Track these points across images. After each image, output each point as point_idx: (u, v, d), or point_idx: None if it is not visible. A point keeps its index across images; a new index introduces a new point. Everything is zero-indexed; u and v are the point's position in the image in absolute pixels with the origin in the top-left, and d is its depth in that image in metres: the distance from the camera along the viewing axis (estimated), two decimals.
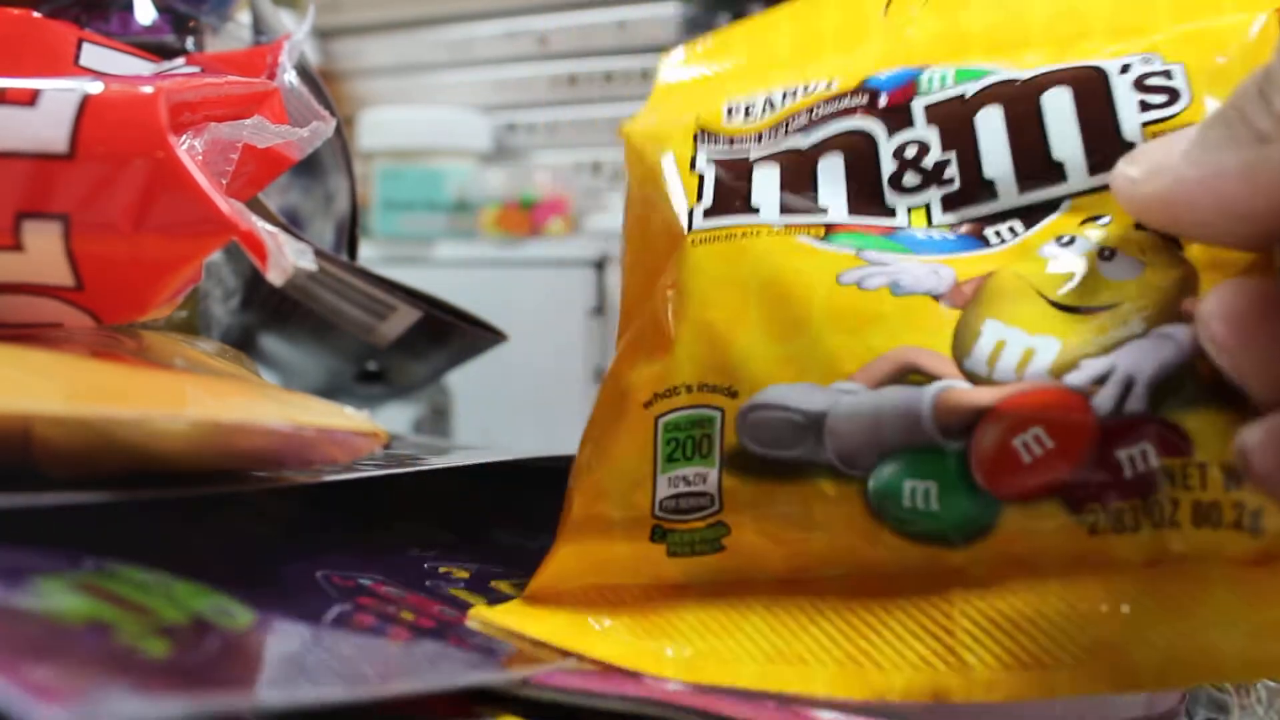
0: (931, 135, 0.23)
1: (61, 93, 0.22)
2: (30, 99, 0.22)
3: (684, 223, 0.25)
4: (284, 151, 0.25)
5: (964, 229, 0.22)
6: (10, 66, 0.23)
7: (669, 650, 0.21)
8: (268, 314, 0.39)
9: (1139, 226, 0.20)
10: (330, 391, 0.45)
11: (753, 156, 0.25)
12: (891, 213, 0.23)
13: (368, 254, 0.75)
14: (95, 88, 0.22)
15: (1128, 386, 0.19)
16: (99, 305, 0.23)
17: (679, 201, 0.25)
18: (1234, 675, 0.18)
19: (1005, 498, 0.19)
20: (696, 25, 1.07)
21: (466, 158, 0.98)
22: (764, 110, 0.26)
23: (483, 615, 0.23)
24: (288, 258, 0.22)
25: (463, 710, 0.20)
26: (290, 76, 0.26)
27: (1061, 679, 0.18)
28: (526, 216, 0.97)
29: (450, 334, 0.38)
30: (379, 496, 0.30)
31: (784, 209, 0.24)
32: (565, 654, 0.22)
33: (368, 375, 0.44)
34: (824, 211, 0.24)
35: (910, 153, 0.23)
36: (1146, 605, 0.18)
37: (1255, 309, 0.17)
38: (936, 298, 0.21)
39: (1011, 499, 0.19)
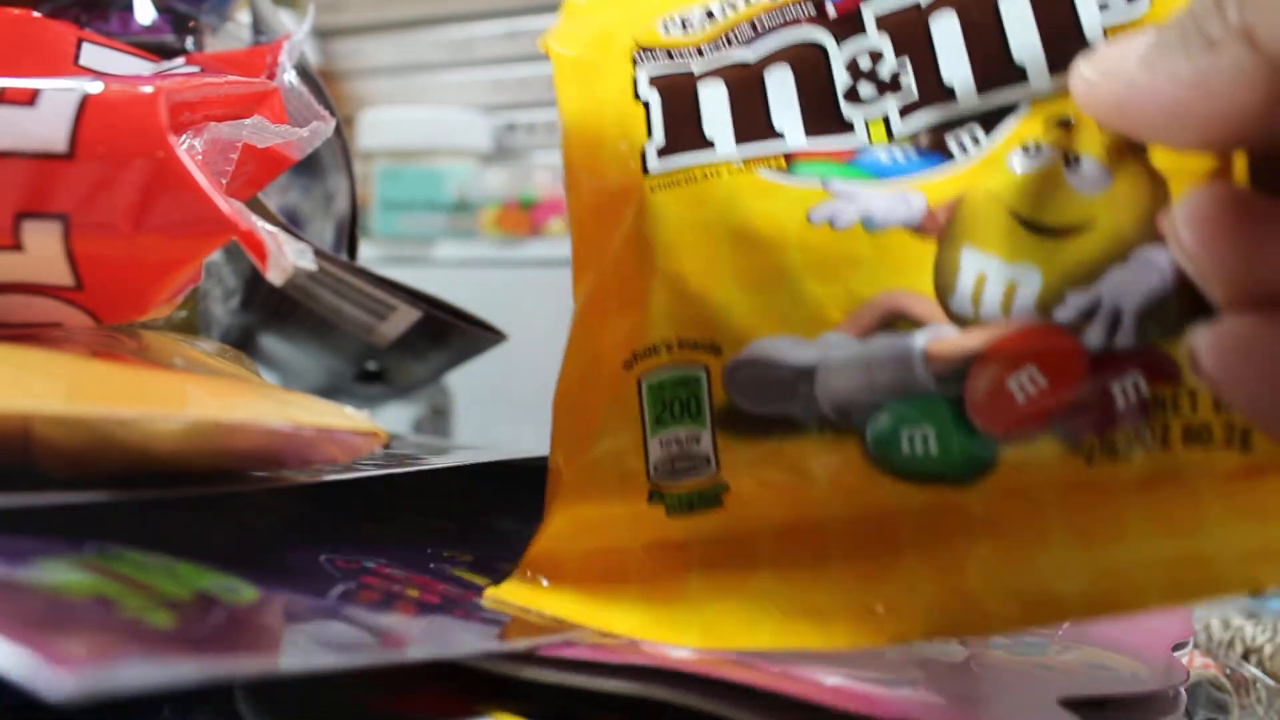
0: (884, 43, 0.23)
1: (61, 92, 0.22)
2: (30, 99, 0.22)
3: (637, 164, 0.24)
4: (284, 151, 0.25)
5: (925, 140, 0.22)
6: (10, 66, 0.23)
7: (684, 617, 0.21)
8: (268, 314, 0.39)
9: (1102, 130, 0.20)
10: (330, 391, 0.45)
11: (696, 71, 0.24)
12: (849, 127, 0.23)
13: (368, 254, 0.75)
14: (95, 87, 0.22)
15: (1115, 319, 0.19)
16: (99, 305, 0.23)
17: (628, 138, 0.24)
18: (1234, 589, 0.18)
19: (1003, 438, 0.20)
20: None
21: (466, 158, 0.98)
22: (703, 22, 0.26)
23: (497, 594, 0.23)
24: (288, 258, 0.22)
25: (462, 709, 0.20)
26: (290, 76, 0.26)
27: (1071, 606, 0.19)
28: (526, 216, 0.97)
29: (450, 334, 0.38)
30: (379, 496, 0.30)
31: (739, 138, 0.23)
32: (581, 628, 0.22)
33: (368, 375, 0.44)
34: (781, 137, 0.23)
35: (864, 63, 0.23)
36: (1145, 527, 0.19)
37: (1218, 213, 0.18)
38: (911, 229, 0.21)
39: (1008, 438, 0.19)
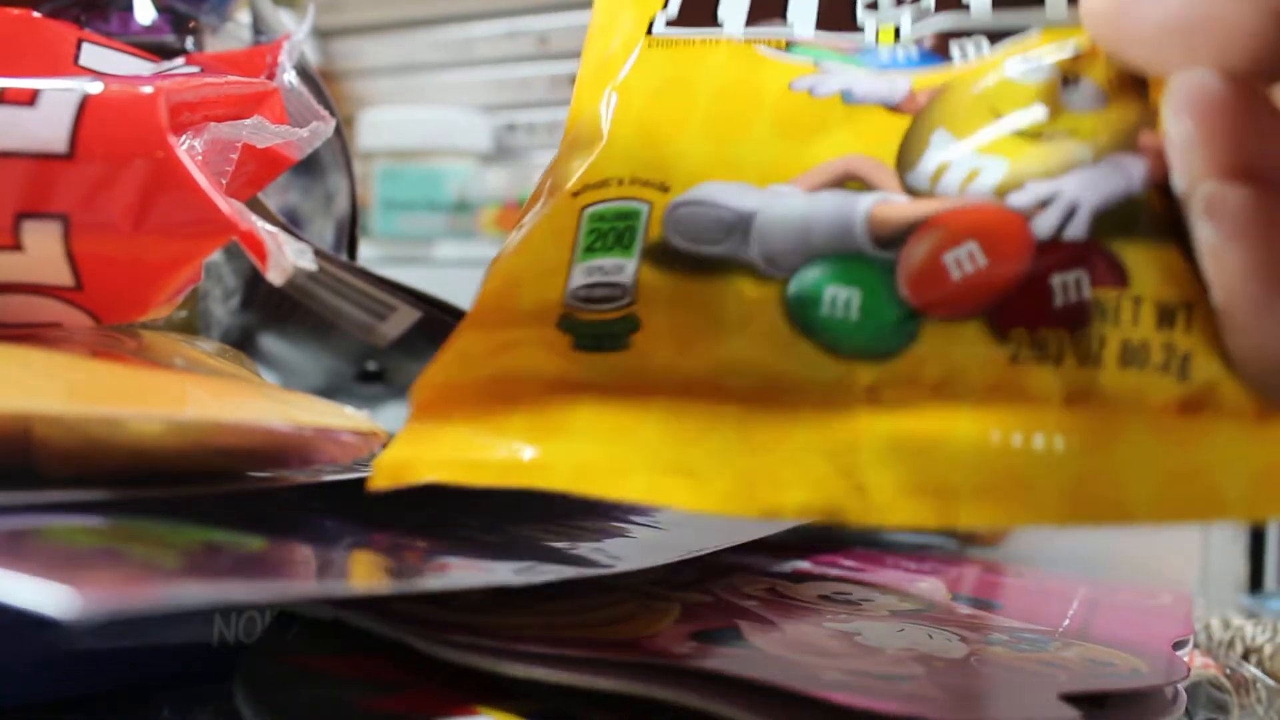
0: None
1: (61, 93, 0.22)
2: (30, 99, 0.22)
3: (643, 27, 0.24)
4: (284, 151, 0.25)
5: (929, 43, 0.22)
6: (10, 66, 0.23)
7: (558, 454, 0.21)
8: (268, 314, 0.39)
9: (1108, 61, 0.20)
10: (330, 391, 0.45)
11: None
12: (860, 29, 0.23)
13: (368, 254, 0.75)
14: (95, 88, 0.22)
15: (1070, 212, 0.19)
16: (98, 305, 0.23)
17: (642, 8, 0.25)
18: (1142, 518, 0.17)
19: (928, 313, 0.19)
20: None
21: (466, 158, 0.98)
22: None
23: (377, 475, 0.22)
24: (288, 258, 0.22)
25: (461, 709, 0.20)
26: (290, 76, 0.26)
27: (964, 508, 0.18)
28: None
29: (450, 334, 0.38)
30: (379, 496, 0.30)
31: (749, 22, 0.24)
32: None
33: (368, 375, 0.44)
34: (790, 27, 0.23)
35: None
36: (1060, 441, 0.18)
37: (1220, 92, 0.17)
38: (888, 106, 0.21)
39: (934, 315, 0.19)
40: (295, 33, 0.28)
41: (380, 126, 0.99)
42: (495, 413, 0.22)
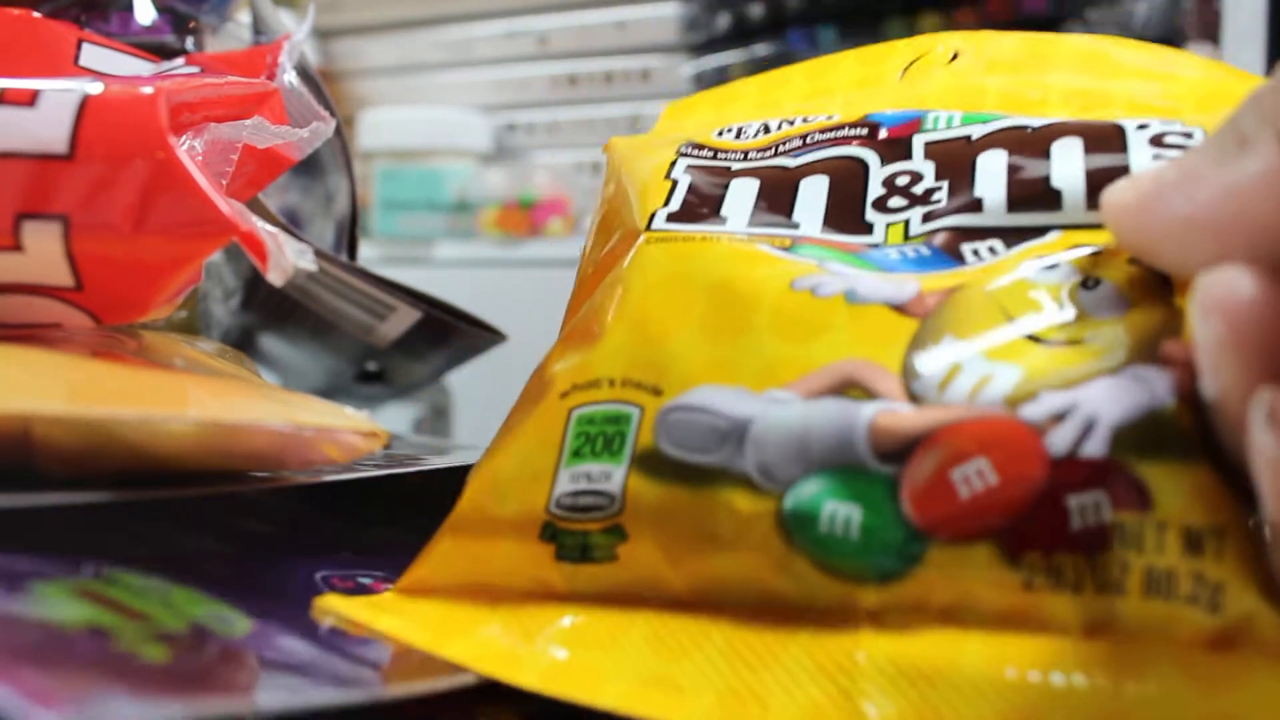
0: (927, 168, 0.23)
1: (61, 93, 0.22)
2: (30, 99, 0.22)
3: (644, 223, 0.23)
4: (284, 152, 0.25)
5: (940, 240, 0.21)
6: (10, 66, 0.24)
7: (534, 655, 0.20)
8: (268, 314, 0.39)
9: (1131, 263, 0.19)
10: (330, 391, 0.45)
11: (734, 168, 0.24)
12: (869, 229, 0.22)
13: (368, 254, 0.75)
14: (95, 88, 0.22)
15: (1088, 427, 0.17)
16: (99, 305, 0.23)
17: (645, 203, 0.24)
18: None
19: (934, 534, 0.18)
20: (696, 25, 1.07)
21: (466, 158, 0.98)
22: (758, 133, 0.26)
23: (332, 606, 0.21)
24: (288, 258, 0.22)
25: (463, 709, 0.20)
26: (290, 76, 0.26)
27: None
28: (526, 216, 0.97)
29: (450, 334, 0.39)
30: (379, 497, 0.30)
31: (753, 220, 0.23)
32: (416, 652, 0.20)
33: (368, 375, 0.44)
34: (795, 226, 0.23)
35: (901, 181, 0.23)
36: (1079, 677, 0.16)
37: (1252, 292, 0.16)
38: (894, 307, 0.20)
39: (941, 536, 0.18)
40: (295, 33, 0.28)
41: (380, 126, 0.99)
42: (472, 607, 0.21)
